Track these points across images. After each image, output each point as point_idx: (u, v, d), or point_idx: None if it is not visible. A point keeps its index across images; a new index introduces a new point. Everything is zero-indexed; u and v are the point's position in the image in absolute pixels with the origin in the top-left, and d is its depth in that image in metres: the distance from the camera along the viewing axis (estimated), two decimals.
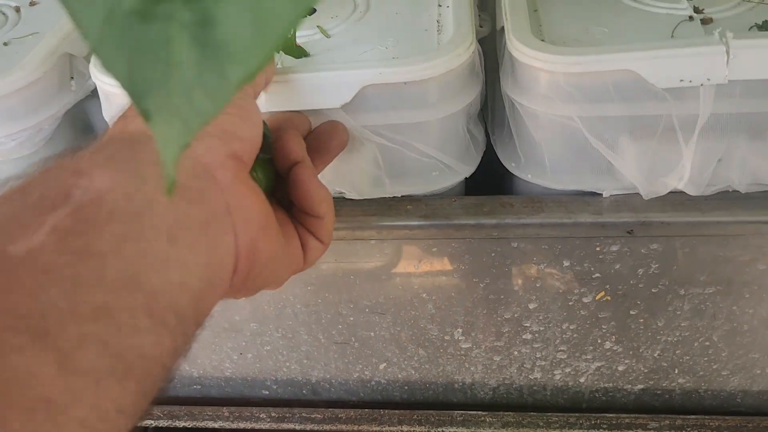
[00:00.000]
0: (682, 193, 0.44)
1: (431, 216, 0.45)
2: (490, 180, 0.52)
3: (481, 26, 0.48)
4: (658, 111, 0.40)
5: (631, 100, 0.40)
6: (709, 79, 0.39)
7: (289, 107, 0.42)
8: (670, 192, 0.44)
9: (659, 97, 0.40)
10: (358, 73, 0.41)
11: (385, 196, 0.46)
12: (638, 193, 0.44)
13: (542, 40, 0.43)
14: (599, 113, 0.41)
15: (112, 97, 0.44)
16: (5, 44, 0.50)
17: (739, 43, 0.38)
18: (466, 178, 0.50)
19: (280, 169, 0.35)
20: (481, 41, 0.49)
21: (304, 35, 0.47)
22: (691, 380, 0.58)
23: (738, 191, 0.44)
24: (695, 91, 0.39)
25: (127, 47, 0.17)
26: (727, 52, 0.38)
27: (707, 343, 0.54)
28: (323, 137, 0.40)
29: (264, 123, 0.32)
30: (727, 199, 0.44)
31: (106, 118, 0.46)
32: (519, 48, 0.41)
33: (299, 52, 0.45)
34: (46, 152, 0.49)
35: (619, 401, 0.61)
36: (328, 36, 0.47)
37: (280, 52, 0.45)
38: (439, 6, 0.49)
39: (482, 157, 0.50)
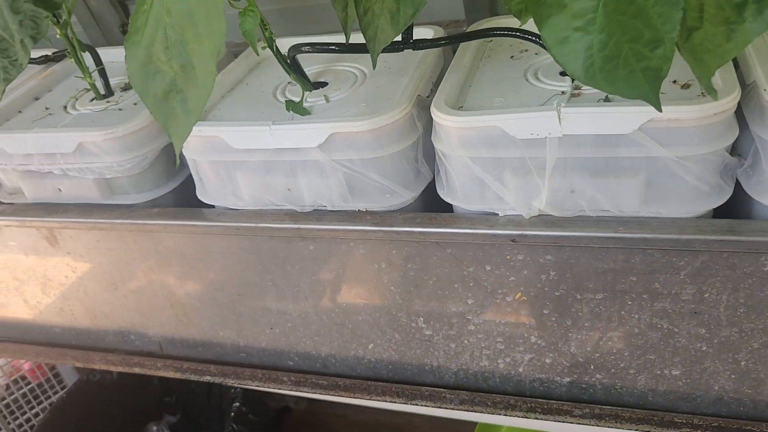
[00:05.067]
0: (553, 216, 0.62)
1: (380, 224, 0.66)
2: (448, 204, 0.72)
3: (427, 96, 0.69)
4: (520, 155, 0.59)
5: (502, 147, 0.59)
6: (550, 134, 0.57)
7: (288, 146, 0.66)
8: (545, 214, 0.62)
9: (518, 145, 0.58)
10: (329, 125, 0.63)
11: (351, 209, 0.68)
12: None
13: (460, 108, 0.63)
14: (483, 155, 0.60)
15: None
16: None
17: (567, 109, 0.56)
18: (424, 201, 0.71)
19: None
20: None
21: (313, 100, 0.71)
22: (606, 377, 0.72)
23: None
24: (543, 141, 0.58)
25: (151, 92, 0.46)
26: (559, 115, 0.56)
27: (610, 343, 0.69)
28: None
29: None
30: (588, 220, 0.61)
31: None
32: (434, 111, 0.62)
33: (304, 112, 0.69)
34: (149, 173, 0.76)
35: (554, 392, 0.76)
36: (328, 101, 0.71)
37: (290, 110, 0.69)
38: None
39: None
